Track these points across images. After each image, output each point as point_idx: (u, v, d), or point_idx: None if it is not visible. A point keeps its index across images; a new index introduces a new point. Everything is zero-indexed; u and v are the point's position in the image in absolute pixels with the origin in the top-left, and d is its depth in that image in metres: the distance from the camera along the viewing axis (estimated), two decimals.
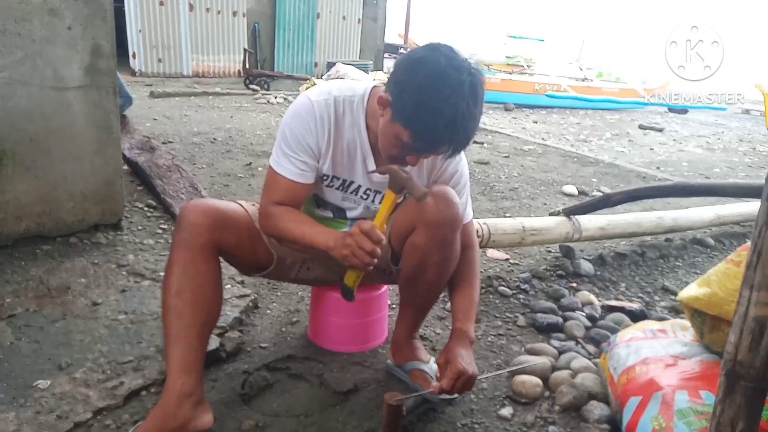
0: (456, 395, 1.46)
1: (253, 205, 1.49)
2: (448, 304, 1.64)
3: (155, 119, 5.30)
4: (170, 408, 1.22)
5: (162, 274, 1.80)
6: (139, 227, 2.47)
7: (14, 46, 1.99)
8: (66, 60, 2.10)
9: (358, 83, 1.42)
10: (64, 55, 2.10)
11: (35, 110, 2.07)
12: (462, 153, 1.38)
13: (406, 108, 1.17)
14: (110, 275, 2.02)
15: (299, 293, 2.08)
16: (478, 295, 1.51)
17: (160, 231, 2.47)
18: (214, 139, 4.60)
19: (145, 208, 2.67)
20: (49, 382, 1.42)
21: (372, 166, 1.41)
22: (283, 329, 1.84)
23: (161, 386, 1.43)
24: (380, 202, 1.48)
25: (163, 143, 4.16)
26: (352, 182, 1.44)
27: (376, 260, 1.23)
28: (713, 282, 1.38)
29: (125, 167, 2.93)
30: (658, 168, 5.46)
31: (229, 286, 1.96)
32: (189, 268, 1.28)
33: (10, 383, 1.42)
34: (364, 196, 1.48)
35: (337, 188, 1.45)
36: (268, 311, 1.95)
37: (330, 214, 1.52)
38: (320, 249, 1.29)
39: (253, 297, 1.96)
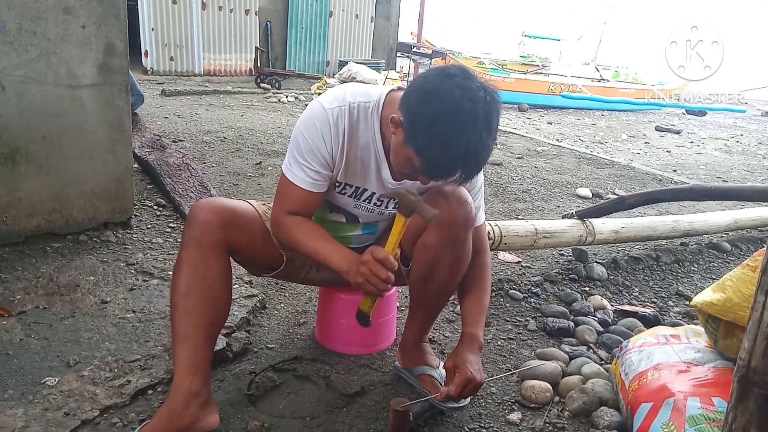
0: (463, 403, 1.44)
1: (264, 204, 1.49)
2: (458, 308, 1.62)
3: (166, 117, 5.33)
4: (177, 408, 1.22)
5: (170, 272, 1.80)
6: (149, 225, 2.48)
7: (29, 44, 2.00)
8: (80, 58, 2.12)
9: (374, 88, 1.40)
10: (78, 53, 2.11)
11: (49, 108, 2.09)
12: None
13: (418, 138, 1.15)
14: (119, 273, 2.03)
15: (307, 294, 2.07)
16: (488, 300, 1.49)
17: (169, 230, 2.48)
18: (225, 137, 4.62)
19: (155, 207, 2.68)
20: (57, 380, 1.43)
21: (386, 173, 1.38)
22: (291, 330, 1.83)
23: (168, 385, 1.44)
24: (394, 208, 1.47)
25: (174, 142, 4.18)
26: (365, 190, 1.42)
27: (390, 287, 1.23)
28: (728, 287, 1.36)
29: (135, 165, 2.95)
30: (675, 171, 5.38)
31: (236, 286, 1.96)
32: (199, 267, 1.27)
33: (18, 380, 1.43)
34: (378, 203, 1.46)
35: (350, 195, 1.43)
36: (276, 312, 1.95)
37: (343, 219, 1.51)
38: (333, 269, 1.30)
39: (260, 297, 1.96)
